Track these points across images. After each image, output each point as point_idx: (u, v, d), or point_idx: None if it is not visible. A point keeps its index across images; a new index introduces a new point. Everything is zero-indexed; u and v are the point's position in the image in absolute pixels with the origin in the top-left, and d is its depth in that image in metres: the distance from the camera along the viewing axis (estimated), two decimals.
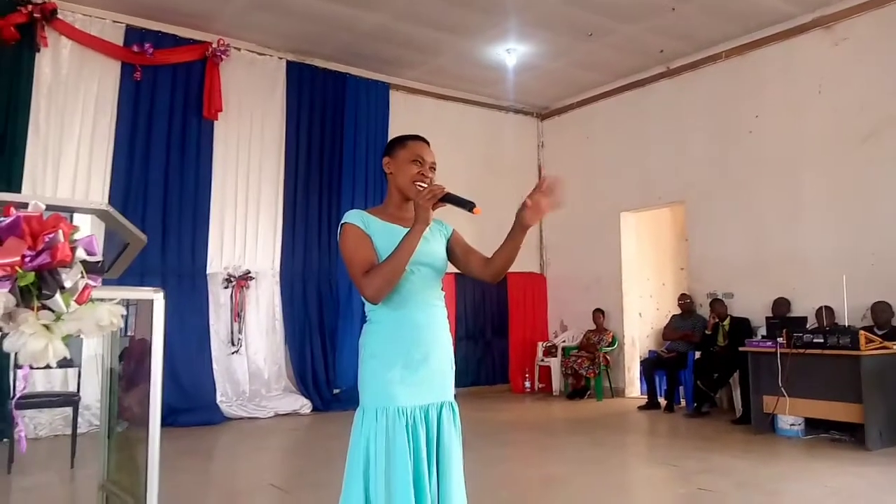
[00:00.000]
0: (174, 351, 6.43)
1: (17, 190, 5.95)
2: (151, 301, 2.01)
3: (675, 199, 8.12)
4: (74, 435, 4.89)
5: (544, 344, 9.18)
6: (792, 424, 5.80)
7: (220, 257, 7.24)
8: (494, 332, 9.31)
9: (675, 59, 7.95)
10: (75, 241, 1.75)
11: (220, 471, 5.16)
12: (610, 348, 8.45)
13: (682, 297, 7.81)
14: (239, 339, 7.28)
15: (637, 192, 8.45)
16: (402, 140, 2.11)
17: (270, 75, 7.69)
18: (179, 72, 7.11)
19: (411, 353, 1.97)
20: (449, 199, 1.94)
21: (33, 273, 1.62)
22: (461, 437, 2.06)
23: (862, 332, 5.27)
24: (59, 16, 6.45)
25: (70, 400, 4.98)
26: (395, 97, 8.46)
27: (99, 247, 1.82)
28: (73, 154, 6.52)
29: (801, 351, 5.56)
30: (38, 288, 1.64)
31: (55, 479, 4.60)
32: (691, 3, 6.56)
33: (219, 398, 6.93)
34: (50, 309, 1.66)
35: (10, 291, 1.60)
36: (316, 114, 7.94)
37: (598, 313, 8.60)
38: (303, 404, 7.29)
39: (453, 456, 1.98)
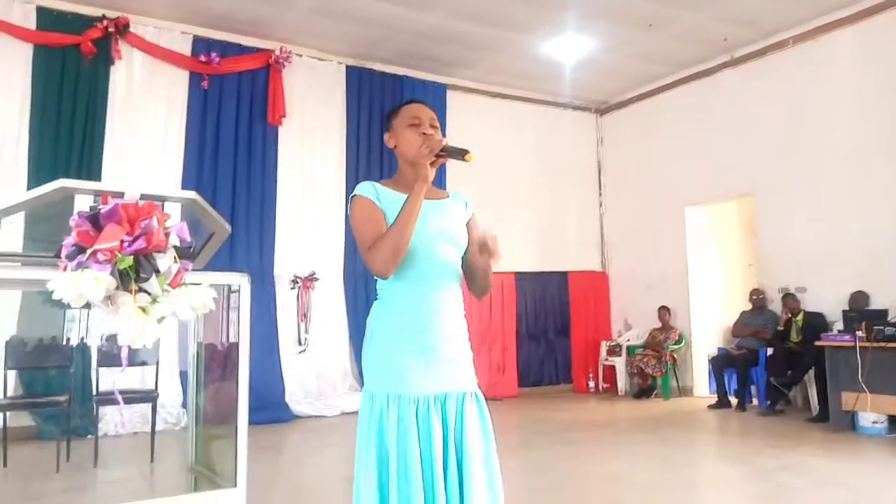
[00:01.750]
0: None
1: None
2: (234, 293, 2.08)
3: (743, 192, 7.88)
4: (153, 430, 5.09)
5: (608, 343, 9.04)
6: (874, 422, 5.56)
7: (287, 259, 7.41)
8: (557, 332, 9.21)
9: (739, 48, 7.73)
10: (168, 227, 1.83)
11: (293, 465, 5.27)
12: (677, 346, 8.26)
13: (754, 291, 7.56)
14: (305, 338, 7.43)
15: (703, 185, 8.23)
16: (395, 110, 2.01)
17: (331, 80, 7.84)
18: (244, 79, 7.32)
19: (427, 335, 1.81)
20: (447, 151, 1.83)
21: (131, 257, 1.71)
22: (490, 430, 1.87)
23: None
24: (132, 29, 6.73)
25: (149, 396, 5.17)
26: (452, 97, 8.50)
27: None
28: (145, 161, 6.78)
29: (882, 344, 5.32)
30: (135, 272, 1.72)
31: (137, 472, 4.78)
32: None
33: (287, 397, 7.08)
34: (146, 292, 1.74)
35: (110, 274, 1.69)
36: (375, 117, 8.04)
37: (664, 311, 8.42)
38: None
39: (478, 450, 1.80)
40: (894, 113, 6.44)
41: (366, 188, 1.88)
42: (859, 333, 5.48)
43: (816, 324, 6.68)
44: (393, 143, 1.98)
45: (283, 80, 7.43)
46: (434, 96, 8.36)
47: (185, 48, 7.06)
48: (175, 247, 1.79)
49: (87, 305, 1.75)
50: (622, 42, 7.60)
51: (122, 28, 6.66)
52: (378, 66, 8.07)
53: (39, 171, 6.10)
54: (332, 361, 7.59)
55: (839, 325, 6.38)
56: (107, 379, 5.14)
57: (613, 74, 8.53)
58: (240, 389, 1.96)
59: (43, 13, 6.38)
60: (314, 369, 7.46)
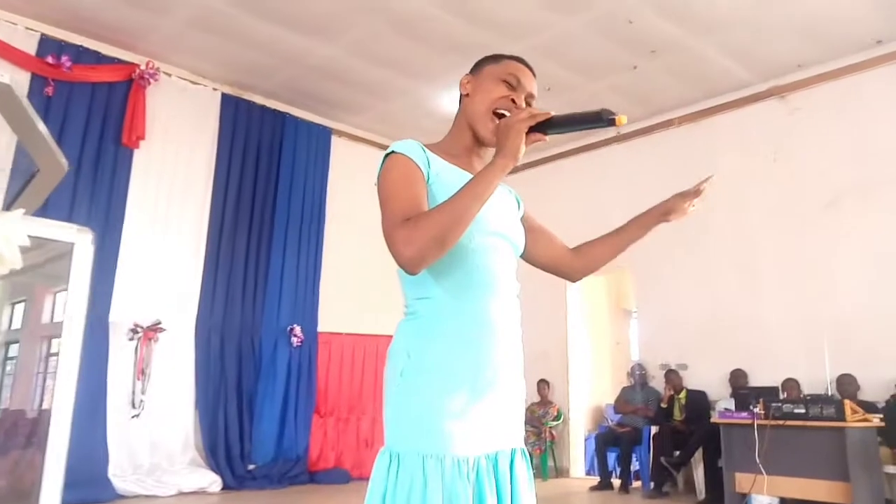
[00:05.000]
0: None
1: None
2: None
3: (623, 265, 7.81)
4: None
5: None
6: None
7: (127, 303, 6.24)
8: None
9: (628, 125, 7.82)
10: None
11: None
12: (556, 423, 7.84)
13: (637, 367, 7.37)
14: (141, 400, 6.21)
15: None
16: (496, 56, 1.48)
17: (202, 106, 6.98)
18: (99, 92, 6.31)
19: (483, 368, 1.31)
20: (557, 124, 1.28)
21: None
22: (535, 493, 1.43)
23: (846, 401, 4.92)
24: None
25: None
26: (337, 143, 7.89)
27: None
28: None
29: (782, 423, 5.14)
30: None
31: None
32: (653, 61, 6.46)
33: (111, 471, 5.78)
34: None
35: None
36: (250, 154, 7.24)
37: (543, 384, 8.02)
38: (212, 481, 6.21)
39: None
40: (777, 194, 6.64)
41: (413, 148, 1.33)
42: (757, 410, 5.29)
43: (699, 401, 6.55)
44: (468, 89, 1.44)
45: (147, 99, 6.49)
46: (318, 139, 7.74)
47: (30, 46, 5.99)
48: None
49: None
50: None
51: None
52: (258, 99, 7.34)
53: None
54: (172, 429, 6.39)
55: (723, 403, 6.25)
56: None
57: None
58: (54, 423, 1.16)
59: None
60: (148, 438, 6.22)
